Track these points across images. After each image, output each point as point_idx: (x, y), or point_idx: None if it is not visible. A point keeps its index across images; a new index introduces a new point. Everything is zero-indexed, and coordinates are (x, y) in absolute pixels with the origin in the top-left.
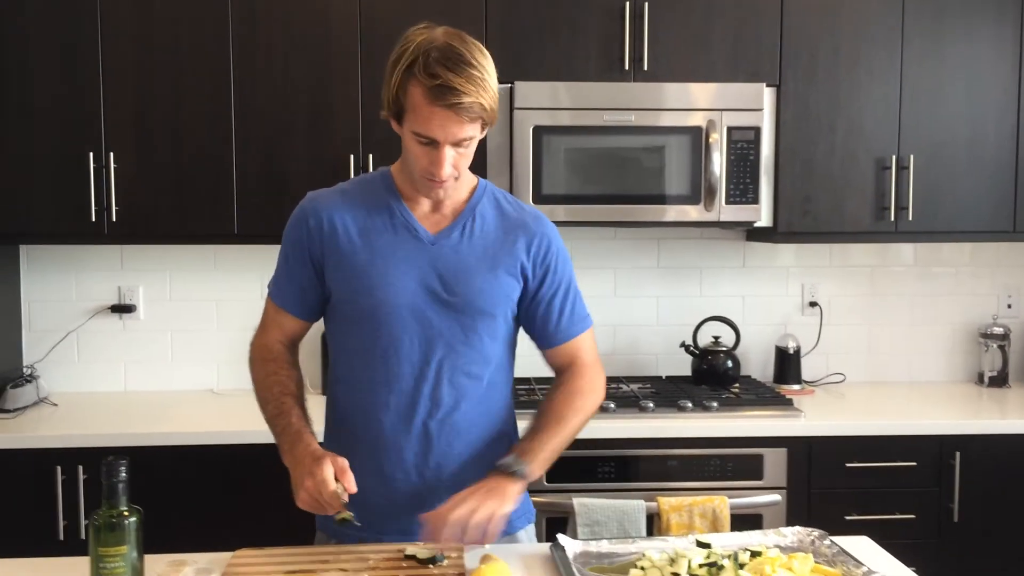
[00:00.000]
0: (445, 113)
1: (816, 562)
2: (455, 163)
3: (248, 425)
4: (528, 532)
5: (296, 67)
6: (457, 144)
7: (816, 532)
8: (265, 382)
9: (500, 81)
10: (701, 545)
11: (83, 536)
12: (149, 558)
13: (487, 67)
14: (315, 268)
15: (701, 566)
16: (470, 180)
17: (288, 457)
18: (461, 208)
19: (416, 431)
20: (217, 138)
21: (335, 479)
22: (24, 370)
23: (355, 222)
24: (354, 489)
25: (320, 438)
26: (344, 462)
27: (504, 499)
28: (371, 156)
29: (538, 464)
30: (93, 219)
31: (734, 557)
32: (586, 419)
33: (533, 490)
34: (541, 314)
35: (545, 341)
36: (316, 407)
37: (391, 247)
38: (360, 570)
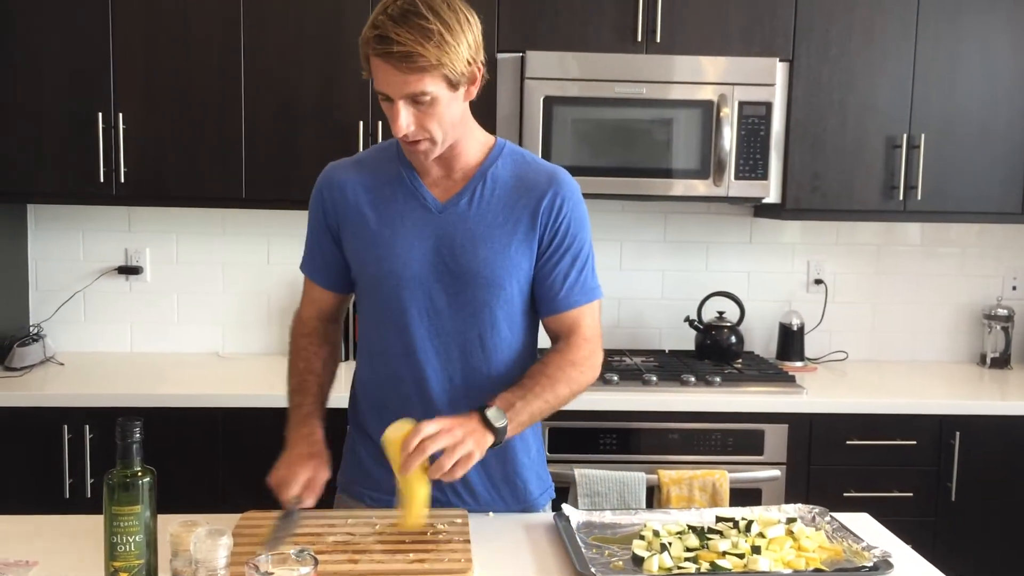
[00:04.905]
0: (384, 64)
1: None
2: (421, 122)
3: (252, 389)
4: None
5: (307, 33)
6: (414, 101)
7: (816, 508)
8: (294, 356)
9: (511, 51)
10: (697, 531)
11: (89, 495)
12: (161, 518)
13: (449, 21)
14: (334, 239)
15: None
16: (484, 141)
17: (290, 435)
18: (472, 172)
19: (426, 400)
20: (227, 102)
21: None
22: (31, 329)
23: (367, 191)
24: (309, 505)
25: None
26: (322, 479)
27: (481, 448)
28: (380, 123)
29: (515, 426)
30: (101, 180)
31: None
32: (575, 393)
33: None
34: (544, 278)
35: (545, 307)
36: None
37: (400, 216)
38: (366, 535)
